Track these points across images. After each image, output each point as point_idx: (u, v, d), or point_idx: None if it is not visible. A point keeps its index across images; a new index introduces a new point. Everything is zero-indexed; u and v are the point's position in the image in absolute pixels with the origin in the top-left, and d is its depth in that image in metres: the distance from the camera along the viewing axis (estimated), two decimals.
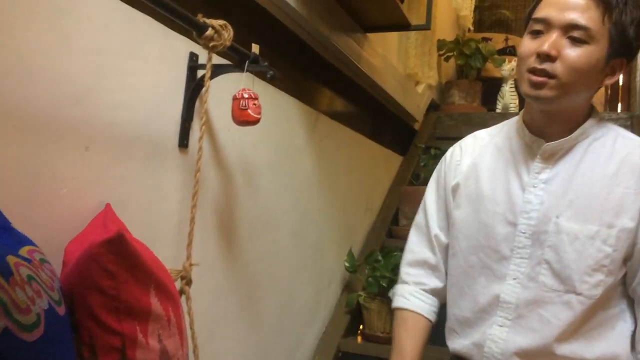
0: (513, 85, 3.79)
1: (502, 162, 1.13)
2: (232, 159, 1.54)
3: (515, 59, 3.90)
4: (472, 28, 4.29)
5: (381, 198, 2.94)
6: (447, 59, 3.75)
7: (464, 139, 1.28)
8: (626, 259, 1.04)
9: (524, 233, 1.07)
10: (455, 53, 3.68)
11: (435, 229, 1.24)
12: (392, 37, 2.93)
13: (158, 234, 1.25)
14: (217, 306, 1.49)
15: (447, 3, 3.82)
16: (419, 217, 1.29)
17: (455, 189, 1.20)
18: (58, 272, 0.92)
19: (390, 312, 2.20)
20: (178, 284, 1.14)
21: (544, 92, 1.01)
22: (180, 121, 1.31)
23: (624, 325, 1.06)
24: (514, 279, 1.07)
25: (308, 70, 2.02)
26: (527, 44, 1.04)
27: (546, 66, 0.99)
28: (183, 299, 1.14)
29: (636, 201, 1.01)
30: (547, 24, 1.01)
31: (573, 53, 0.99)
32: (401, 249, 2.36)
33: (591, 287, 1.02)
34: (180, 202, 1.31)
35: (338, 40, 2.07)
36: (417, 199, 2.66)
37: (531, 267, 1.06)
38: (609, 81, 1.05)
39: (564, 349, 1.04)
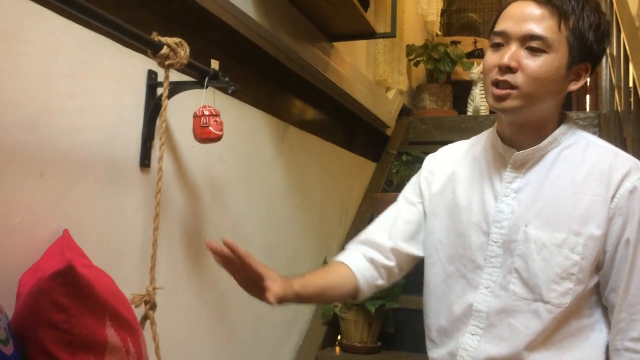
0: (483, 88, 3.83)
1: (478, 172, 1.14)
2: (198, 176, 1.52)
3: None
4: (439, 33, 4.32)
5: (355, 206, 2.93)
6: (416, 64, 3.77)
7: (443, 148, 1.28)
8: (598, 268, 1.04)
9: (496, 242, 1.07)
10: (424, 58, 3.70)
11: (400, 221, 1.20)
12: (360, 44, 2.94)
13: (121, 258, 1.22)
14: (187, 328, 1.47)
15: (415, 9, 3.84)
16: (388, 209, 1.26)
17: (433, 197, 1.19)
18: (12, 305, 0.89)
19: (367, 321, 2.20)
20: (142, 310, 1.11)
21: (508, 104, 1.01)
22: (140, 141, 1.29)
23: (599, 335, 1.05)
24: (486, 287, 1.08)
25: (274, 81, 2.01)
26: (489, 58, 1.05)
27: (507, 77, 1.00)
28: (148, 324, 1.11)
29: (603, 209, 1.01)
30: (506, 37, 1.02)
31: (532, 63, 0.99)
32: None
33: (559, 296, 1.01)
34: (143, 224, 1.28)
35: (303, 51, 2.06)
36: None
37: (502, 276, 1.06)
38: (574, 87, 1.06)
39: (533, 357, 1.03)
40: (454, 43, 4.22)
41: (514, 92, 1.00)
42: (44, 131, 1.03)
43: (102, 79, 1.17)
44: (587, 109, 4.87)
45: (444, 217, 1.16)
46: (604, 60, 3.43)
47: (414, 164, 2.76)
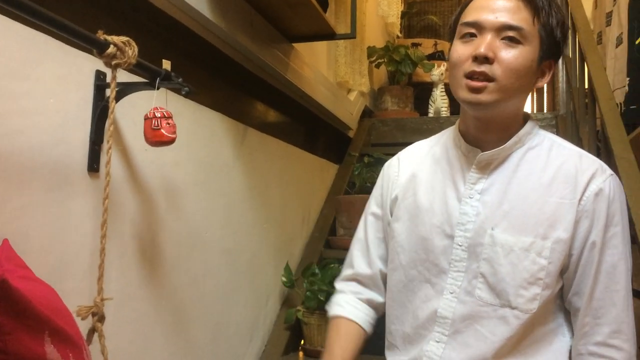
0: (443, 90, 3.86)
1: (439, 173, 1.11)
2: (152, 181, 1.46)
3: (444, 63, 3.99)
4: (400, 34, 4.34)
5: (318, 208, 2.91)
6: (377, 66, 3.78)
7: (403, 150, 1.25)
8: (562, 271, 1.02)
9: (460, 246, 1.04)
10: (385, 59, 3.71)
11: (373, 244, 1.21)
12: (321, 46, 2.91)
13: (67, 268, 1.16)
14: (140, 339, 1.41)
15: (375, 11, 3.85)
16: (359, 231, 1.26)
17: (395, 201, 1.17)
18: None
19: None
20: (90, 321, 1.06)
21: (484, 97, 0.97)
22: (89, 144, 1.23)
23: (563, 340, 1.04)
24: (451, 293, 1.04)
25: (232, 83, 1.97)
26: (460, 50, 1.00)
27: (485, 68, 0.96)
28: (96, 337, 1.05)
29: (570, 212, 0.99)
30: (480, 27, 0.99)
31: (509, 54, 0.96)
32: (340, 260, 2.35)
33: (527, 301, 0.99)
34: (92, 231, 1.22)
35: (262, 52, 2.02)
36: (353, 208, 2.67)
37: (468, 281, 1.03)
38: (540, 84, 1.04)
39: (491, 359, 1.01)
40: (415, 45, 4.25)
41: (491, 84, 0.97)
42: None
43: (45, 80, 1.11)
44: (545, 110, 4.97)
45: (405, 220, 1.13)
46: (560, 61, 3.50)
47: (376, 166, 2.75)
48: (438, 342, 1.05)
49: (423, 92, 4.03)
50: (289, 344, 2.22)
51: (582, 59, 2.68)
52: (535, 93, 5.58)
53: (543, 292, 0.99)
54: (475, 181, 1.05)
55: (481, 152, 1.05)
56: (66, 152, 1.17)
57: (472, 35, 1.00)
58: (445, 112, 3.80)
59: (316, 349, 2.18)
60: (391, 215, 1.18)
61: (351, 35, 2.36)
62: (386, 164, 1.25)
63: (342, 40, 3.16)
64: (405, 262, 1.12)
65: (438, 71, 3.83)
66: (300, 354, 2.27)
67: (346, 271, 1.26)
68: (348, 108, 3.29)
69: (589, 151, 2.51)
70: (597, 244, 0.98)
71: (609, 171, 1.03)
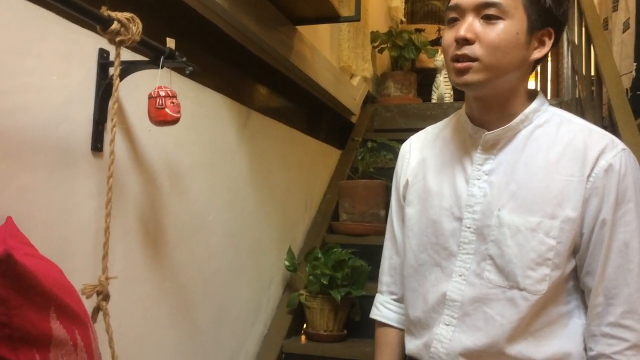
0: (447, 76, 3.83)
1: (448, 156, 1.10)
2: (155, 162, 1.45)
3: None
4: (404, 19, 4.30)
5: (321, 193, 2.90)
6: (380, 51, 3.75)
7: (415, 134, 1.25)
8: (575, 251, 1.00)
9: (469, 228, 1.03)
10: (388, 45, 3.68)
11: (399, 232, 1.22)
12: (324, 29, 2.89)
13: (71, 247, 1.15)
14: (145, 319, 1.41)
15: None
16: (388, 221, 1.27)
17: (406, 186, 1.16)
18: None
19: (333, 309, 2.17)
20: (94, 300, 1.05)
21: (470, 77, 0.97)
22: (92, 123, 1.22)
23: (577, 322, 1.01)
24: (460, 275, 1.03)
25: (236, 65, 1.95)
26: (446, 35, 1.02)
27: (466, 50, 0.97)
28: (101, 316, 1.05)
29: (579, 189, 0.96)
30: (460, 10, 0.99)
31: (490, 32, 0.96)
32: (342, 245, 2.35)
33: (535, 282, 0.97)
34: (96, 211, 1.21)
35: (266, 34, 2.00)
36: (356, 193, 2.66)
37: (477, 263, 1.02)
38: (539, 54, 1.01)
39: (511, 348, 0.99)
40: (418, 31, 4.21)
41: (474, 64, 0.96)
42: None
43: (47, 57, 1.10)
44: (549, 96, 4.94)
45: (415, 204, 1.12)
46: (565, 47, 3.48)
47: (379, 151, 2.74)
48: (447, 325, 1.04)
49: (426, 78, 4.01)
50: (291, 328, 2.22)
51: (589, 44, 2.65)
52: (539, 79, 5.55)
53: (552, 272, 0.97)
54: (482, 162, 1.04)
55: (486, 132, 1.04)
56: (69, 130, 1.16)
57: (455, 19, 1.00)
58: (448, 98, 3.78)
59: (318, 332, 2.18)
60: (404, 200, 1.18)
61: (355, 18, 2.33)
62: (401, 149, 1.25)
63: (346, 25, 3.13)
64: (415, 246, 1.11)
65: (441, 57, 3.80)
66: (303, 337, 2.27)
67: (383, 263, 1.28)
68: (351, 93, 3.27)
69: None
70: (608, 222, 0.96)
71: (620, 145, 0.99)
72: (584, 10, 2.69)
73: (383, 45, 3.69)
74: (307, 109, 2.71)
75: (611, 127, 2.19)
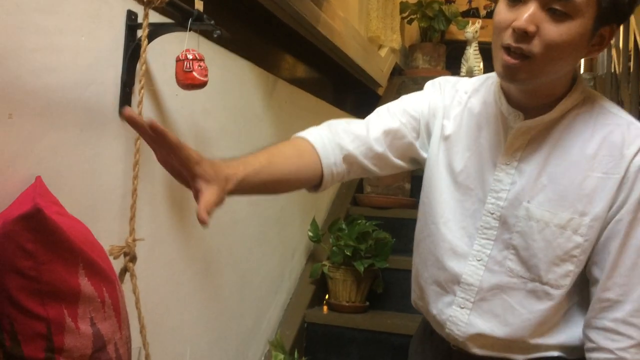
0: (477, 48, 3.74)
1: (475, 131, 1.03)
2: (182, 126, 1.45)
3: (479, 20, 3.86)
4: None
5: None
6: (410, 22, 3.68)
7: (444, 81, 1.13)
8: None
9: (492, 214, 0.98)
10: (418, 15, 3.60)
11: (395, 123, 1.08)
12: None
13: (99, 208, 1.16)
14: (171, 282, 1.42)
15: None
16: (390, 105, 1.14)
17: (437, 135, 1.07)
18: None
19: (356, 280, 2.17)
20: (122, 261, 1.06)
21: (518, 75, 0.89)
22: (120, 85, 1.21)
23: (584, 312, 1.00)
24: (479, 260, 1.00)
25: (263, 32, 1.92)
26: (503, 14, 0.89)
27: (522, 45, 0.86)
28: (128, 277, 1.06)
29: (612, 187, 0.92)
30: None
31: (554, 29, 0.85)
32: (367, 217, 2.34)
33: (559, 277, 0.95)
34: (123, 173, 1.21)
35: (294, 1, 1.96)
36: None
37: (498, 250, 0.98)
38: (597, 53, 0.93)
39: (531, 338, 0.98)
40: (449, 1, 4.11)
41: (526, 62, 0.87)
42: (12, 68, 0.95)
43: (75, 17, 1.09)
44: (582, 70, 4.80)
45: (436, 171, 1.06)
46: None
47: None
48: (462, 307, 1.02)
49: (456, 50, 3.91)
50: (313, 298, 2.24)
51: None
52: None
53: (576, 269, 0.95)
54: (515, 148, 0.97)
55: (523, 119, 0.96)
56: (98, 92, 1.15)
57: (517, 0, 0.88)
58: (477, 71, 3.69)
59: (341, 303, 2.18)
60: (427, 136, 1.08)
61: None
62: (432, 87, 1.12)
63: None
64: (427, 214, 1.07)
65: (472, 29, 3.70)
66: (325, 307, 2.28)
67: (342, 124, 1.10)
68: (379, 64, 3.22)
69: (631, 114, 2.42)
70: (625, 219, 0.92)
71: None
72: None
73: (412, 16, 3.62)
74: (334, 79, 2.67)
75: None
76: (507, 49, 0.88)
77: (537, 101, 0.96)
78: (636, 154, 0.91)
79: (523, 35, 0.86)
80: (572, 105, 0.96)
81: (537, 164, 0.96)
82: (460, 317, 1.02)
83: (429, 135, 1.09)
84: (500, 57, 0.89)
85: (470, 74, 3.70)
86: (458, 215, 1.02)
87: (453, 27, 3.76)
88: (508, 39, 0.87)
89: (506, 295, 0.98)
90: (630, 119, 0.97)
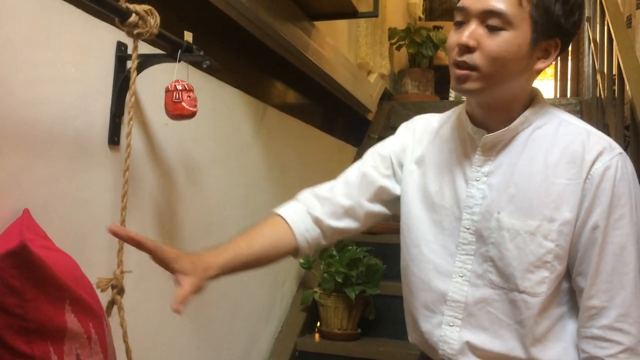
0: None
1: (446, 155, 1.08)
2: (172, 156, 1.45)
3: None
4: (422, 16, 4.26)
5: None
6: (398, 48, 3.72)
7: (416, 120, 1.18)
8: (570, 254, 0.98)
9: (468, 229, 1.01)
10: (406, 42, 3.65)
11: (365, 177, 1.13)
12: (342, 25, 2.87)
13: (88, 240, 1.15)
14: (159, 314, 1.40)
15: None
16: (354, 165, 1.19)
17: (404, 176, 1.11)
18: None
19: (347, 307, 2.15)
20: (109, 294, 1.05)
21: (468, 85, 0.95)
22: (109, 116, 1.21)
23: (574, 324, 1.00)
24: (461, 276, 1.02)
25: (253, 60, 1.94)
26: (451, 36, 0.98)
27: (466, 58, 0.93)
28: (115, 310, 1.04)
29: (576, 192, 0.95)
30: (466, 14, 0.95)
31: (492, 42, 0.92)
32: (357, 243, 2.33)
33: (534, 285, 0.96)
34: (112, 204, 1.21)
35: (283, 29, 1.99)
36: None
37: (478, 264, 1.01)
38: (542, 65, 0.98)
39: (519, 351, 0.98)
40: (437, 28, 4.17)
41: (473, 73, 0.93)
42: (2, 101, 0.96)
43: (65, 49, 1.10)
44: (569, 95, 4.87)
45: (413, 198, 1.09)
46: (586, 45, 3.42)
47: None
48: (452, 325, 1.03)
49: (444, 75, 3.95)
50: (305, 326, 2.21)
51: (611, 42, 2.61)
52: (558, 78, 5.48)
53: (551, 275, 0.96)
54: (482, 163, 1.02)
55: (486, 134, 1.01)
56: (87, 123, 1.15)
57: (461, 22, 0.96)
58: None
59: (332, 331, 2.17)
60: (400, 168, 1.13)
61: (373, 14, 2.31)
62: (404, 127, 1.18)
63: (363, 21, 3.11)
64: (409, 240, 1.09)
65: None
66: (316, 335, 2.26)
67: (312, 188, 1.17)
68: (368, 90, 3.25)
69: (616, 137, 2.46)
70: (601, 225, 0.94)
71: (617, 149, 0.98)
72: (606, 8, 2.64)
73: (401, 42, 3.66)
74: (324, 105, 2.69)
75: (633, 126, 2.15)
76: (456, 65, 0.95)
77: (497, 117, 1.01)
78: (596, 159, 0.95)
79: (465, 49, 0.93)
80: (533, 119, 1.01)
81: (504, 176, 1.00)
82: (450, 336, 1.03)
83: (401, 167, 1.13)
84: (452, 73, 0.97)
85: (459, 98, 3.74)
86: (437, 235, 1.05)
87: (441, 53, 3.81)
88: (455, 55, 0.95)
89: (491, 308, 1.00)
90: (590, 128, 1.01)
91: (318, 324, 2.28)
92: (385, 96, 3.68)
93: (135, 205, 1.29)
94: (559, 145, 0.98)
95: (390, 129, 3.45)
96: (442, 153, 1.08)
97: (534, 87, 1.04)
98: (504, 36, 0.92)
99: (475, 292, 1.01)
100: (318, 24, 2.34)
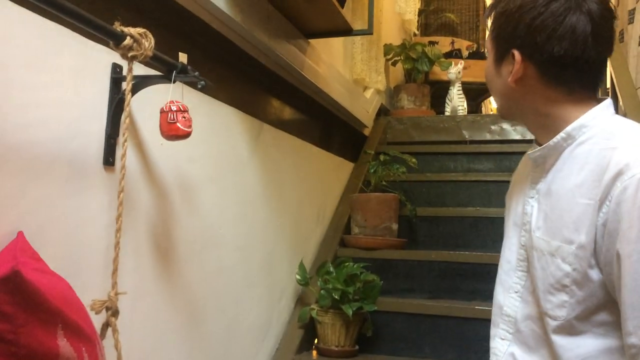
0: (460, 88, 3.82)
1: (523, 171, 1.13)
2: (167, 176, 1.45)
3: (462, 61, 3.94)
4: (417, 32, 4.30)
5: (333, 206, 2.88)
6: (394, 64, 3.75)
7: None
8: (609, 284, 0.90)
9: (523, 246, 1.03)
10: (402, 57, 3.67)
11: None
12: (337, 43, 2.89)
13: (82, 262, 1.15)
14: (154, 334, 1.40)
15: (393, 7, 3.81)
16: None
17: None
18: None
19: (344, 324, 2.15)
20: (104, 316, 1.05)
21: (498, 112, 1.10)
22: (104, 137, 1.22)
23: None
24: (516, 292, 1.04)
25: (249, 78, 1.95)
26: None
27: None
28: (110, 331, 1.04)
29: (593, 214, 0.88)
30: None
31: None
32: (355, 259, 2.33)
33: (554, 307, 0.93)
34: (107, 226, 1.21)
35: (279, 47, 2.00)
36: (368, 207, 2.65)
37: (530, 281, 1.01)
38: (514, 77, 0.98)
39: None
40: (432, 43, 4.21)
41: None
42: None
43: (61, 72, 1.11)
44: None
45: (505, 220, 1.15)
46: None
47: (392, 164, 2.73)
48: (503, 339, 1.05)
49: (440, 90, 3.99)
50: (302, 343, 2.20)
51: None
52: None
53: (571, 299, 0.92)
54: (536, 180, 1.04)
55: (530, 151, 1.06)
56: (82, 145, 1.16)
57: None
58: (462, 111, 3.75)
59: (330, 348, 2.16)
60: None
61: (368, 31, 2.33)
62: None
63: (359, 37, 3.13)
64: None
65: (455, 69, 3.78)
66: (314, 352, 2.25)
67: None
68: (364, 106, 3.27)
69: None
70: (622, 254, 0.85)
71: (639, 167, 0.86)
72: None
73: (396, 58, 3.69)
74: (320, 121, 2.70)
75: None
76: None
77: (544, 135, 1.02)
78: (615, 178, 0.87)
79: None
80: (576, 134, 0.96)
81: (545, 195, 1.00)
82: (500, 349, 1.05)
83: None
84: None
85: (455, 113, 3.76)
86: (506, 250, 1.09)
87: (437, 68, 3.84)
88: None
89: (535, 326, 0.99)
90: (628, 139, 0.92)
91: (315, 341, 2.27)
92: (382, 111, 3.69)
93: (131, 226, 1.30)
94: (591, 162, 0.92)
95: (387, 145, 3.48)
96: (522, 171, 1.14)
97: (591, 102, 0.98)
98: (486, 61, 1.08)
99: (525, 308, 1.02)
100: (313, 41, 2.36)
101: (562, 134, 0.97)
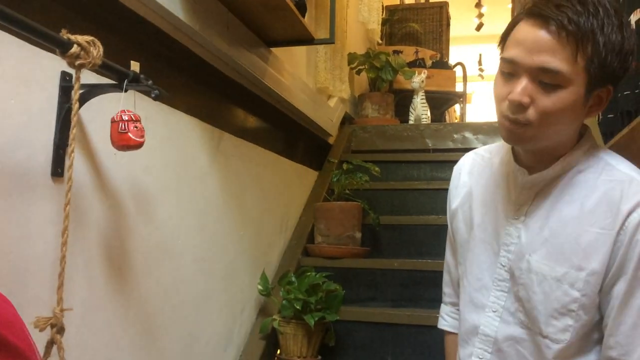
0: (424, 97, 3.85)
1: (493, 188, 1.09)
2: (121, 186, 1.41)
3: (425, 70, 3.98)
4: (381, 41, 4.32)
5: (297, 216, 2.87)
6: (358, 72, 3.76)
7: (467, 154, 1.20)
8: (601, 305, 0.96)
9: (504, 266, 1.03)
10: (366, 66, 3.69)
11: (450, 251, 1.24)
12: (301, 51, 2.89)
13: (28, 277, 1.11)
14: (107, 350, 1.36)
15: (356, 17, 3.84)
16: (447, 234, 1.26)
17: (454, 212, 1.16)
18: None
19: (307, 334, 2.13)
20: (48, 334, 1.01)
21: (521, 140, 0.95)
22: (52, 148, 1.18)
23: None
24: (494, 311, 1.04)
25: (208, 87, 1.93)
26: (499, 87, 0.95)
27: (518, 116, 0.91)
28: (55, 350, 1.00)
29: (607, 243, 0.92)
30: (516, 66, 0.91)
31: (546, 100, 0.89)
32: (317, 268, 2.32)
33: (558, 331, 0.96)
34: (55, 239, 1.16)
35: (239, 56, 1.98)
36: (331, 215, 2.64)
37: (511, 302, 1.02)
38: (595, 111, 0.95)
39: None
40: (396, 52, 4.24)
41: (525, 128, 0.92)
42: None
43: (6, 80, 1.07)
44: None
45: (462, 232, 1.13)
46: None
47: (355, 173, 2.73)
48: (481, 358, 1.05)
49: (404, 99, 4.02)
50: (264, 354, 2.18)
51: None
52: None
53: (576, 324, 0.95)
54: (522, 202, 1.02)
55: (527, 175, 1.01)
56: (29, 155, 1.12)
57: (511, 74, 0.93)
58: (425, 119, 3.79)
59: (292, 358, 2.13)
60: (451, 225, 1.19)
61: (330, 41, 2.33)
62: (454, 170, 1.21)
63: (322, 46, 3.14)
64: (460, 271, 1.15)
65: (419, 78, 3.82)
66: None
67: (444, 276, 1.28)
68: (328, 114, 3.27)
69: None
70: (629, 278, 0.91)
71: None
72: None
73: (360, 67, 3.71)
74: (283, 130, 2.69)
75: None
76: (509, 121, 0.93)
77: (541, 159, 1.00)
78: (633, 209, 0.91)
79: (518, 106, 0.91)
80: (575, 162, 0.99)
81: (541, 218, 0.99)
82: None
83: (452, 219, 1.19)
84: (502, 125, 0.96)
85: (418, 121, 3.79)
86: (475, 268, 1.08)
87: (400, 77, 3.86)
88: (506, 110, 0.93)
89: (520, 347, 1.00)
90: (635, 174, 0.96)
91: (278, 352, 2.25)
92: (346, 120, 3.70)
93: (81, 239, 1.26)
94: (598, 191, 0.95)
95: (352, 153, 3.48)
96: (488, 185, 1.09)
97: (583, 125, 1.01)
98: (559, 94, 0.89)
99: (506, 329, 1.02)
100: (276, 50, 2.35)
101: (561, 162, 0.98)
